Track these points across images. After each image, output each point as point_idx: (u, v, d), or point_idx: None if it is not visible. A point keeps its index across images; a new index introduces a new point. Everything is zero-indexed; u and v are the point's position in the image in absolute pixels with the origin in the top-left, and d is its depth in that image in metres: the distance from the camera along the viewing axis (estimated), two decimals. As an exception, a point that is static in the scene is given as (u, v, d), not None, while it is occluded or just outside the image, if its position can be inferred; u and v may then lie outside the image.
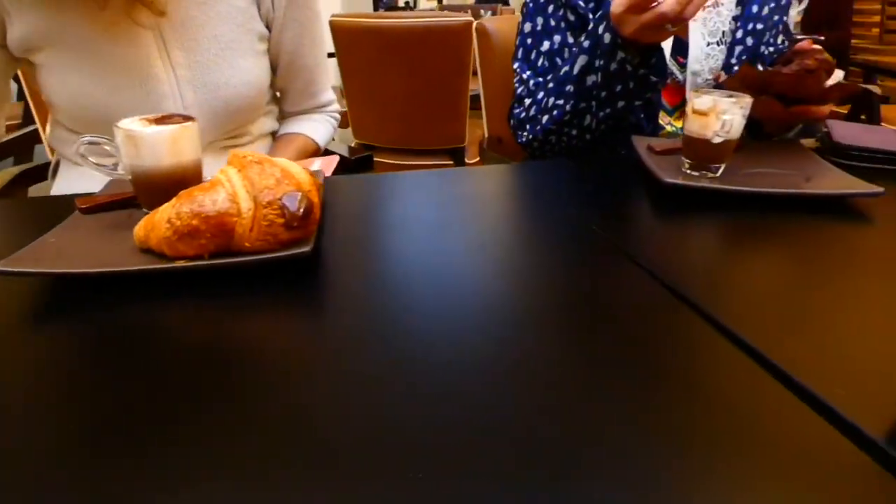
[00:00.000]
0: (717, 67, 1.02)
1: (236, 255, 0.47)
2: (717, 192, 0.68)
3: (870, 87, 0.76)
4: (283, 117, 1.09)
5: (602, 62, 0.84)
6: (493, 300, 0.46)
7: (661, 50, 0.85)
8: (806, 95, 0.78)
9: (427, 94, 1.90)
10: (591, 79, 0.87)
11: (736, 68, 1.01)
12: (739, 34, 1.01)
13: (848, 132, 0.85)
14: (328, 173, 0.78)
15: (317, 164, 0.82)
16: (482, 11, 2.95)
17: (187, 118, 0.56)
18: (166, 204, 0.47)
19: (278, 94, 1.05)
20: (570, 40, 1.00)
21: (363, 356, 0.38)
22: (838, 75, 0.80)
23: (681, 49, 1.01)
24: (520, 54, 1.05)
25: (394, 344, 0.40)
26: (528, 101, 1.01)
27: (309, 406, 0.34)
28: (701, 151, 0.70)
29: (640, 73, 0.84)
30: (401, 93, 1.95)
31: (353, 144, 2.29)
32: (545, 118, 0.96)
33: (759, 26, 1.03)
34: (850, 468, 0.30)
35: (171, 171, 0.53)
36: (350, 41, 1.98)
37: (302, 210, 0.47)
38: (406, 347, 0.39)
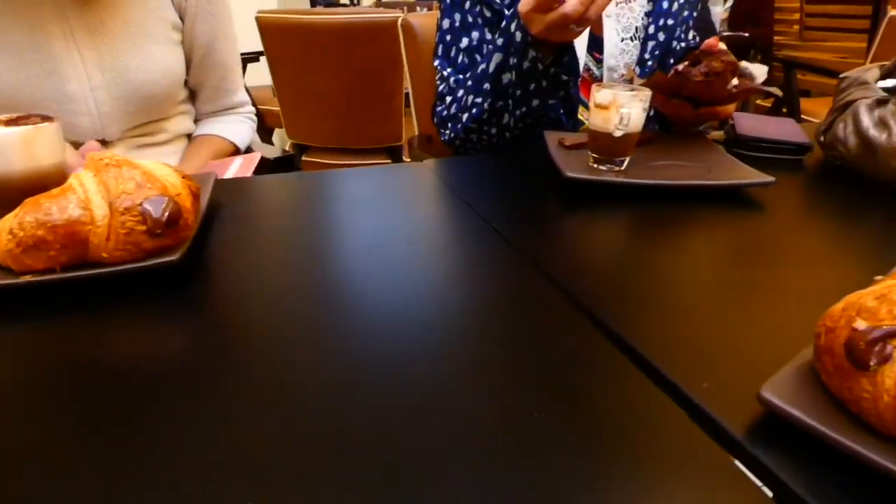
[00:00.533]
0: (632, 63, 1.03)
1: (94, 266, 0.43)
2: (616, 186, 0.68)
3: (771, 89, 0.77)
4: (198, 118, 1.05)
5: (515, 60, 0.84)
6: (381, 305, 0.44)
7: (572, 48, 0.85)
8: (713, 98, 0.79)
9: (360, 92, 1.86)
10: (506, 77, 0.87)
11: (650, 63, 1.03)
12: (651, 30, 1.03)
13: (751, 124, 0.88)
14: (248, 173, 0.75)
15: (236, 163, 0.78)
16: (418, 8, 2.93)
17: (46, 118, 0.51)
18: (9, 214, 0.43)
19: (193, 91, 1.02)
20: (489, 36, 0.99)
21: (228, 373, 0.36)
22: (762, 70, 0.81)
23: (596, 45, 1.02)
24: (439, 51, 1.04)
25: (264, 358, 0.37)
26: (449, 99, 1.00)
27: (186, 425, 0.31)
28: (604, 145, 0.70)
29: (551, 71, 0.84)
30: (333, 91, 1.91)
31: (287, 146, 2.23)
32: (465, 116, 0.95)
33: (670, 22, 1.04)
34: (709, 465, 0.30)
35: (26, 177, 0.49)
36: (279, 39, 1.92)
37: (167, 216, 0.43)
38: (275, 361, 0.37)
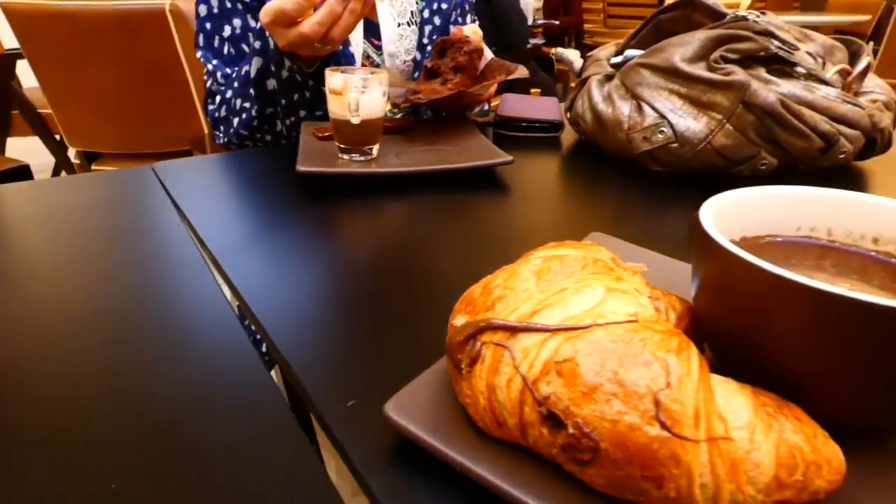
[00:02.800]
0: (413, 48, 1.00)
1: None
2: (358, 177, 0.64)
3: (517, 74, 0.77)
4: None
5: (274, 68, 0.76)
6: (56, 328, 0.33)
7: (330, 63, 0.78)
8: (469, 88, 0.77)
9: (143, 88, 1.64)
10: (270, 83, 0.79)
11: (429, 48, 1.00)
12: (427, 14, 1.00)
13: (513, 105, 0.89)
14: None
15: None
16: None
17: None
18: None
19: None
20: (253, 24, 0.89)
21: None
22: (523, 71, 0.81)
23: (373, 31, 0.97)
24: (201, 41, 0.91)
25: None
26: (218, 99, 0.89)
27: None
28: (346, 133, 0.65)
29: (310, 83, 0.78)
30: (111, 89, 1.66)
31: (72, 154, 1.93)
32: (236, 121, 0.85)
33: (444, 6, 1.02)
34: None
35: None
36: (36, 30, 1.63)
37: None
38: None
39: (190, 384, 0.32)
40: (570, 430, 0.21)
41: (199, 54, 0.92)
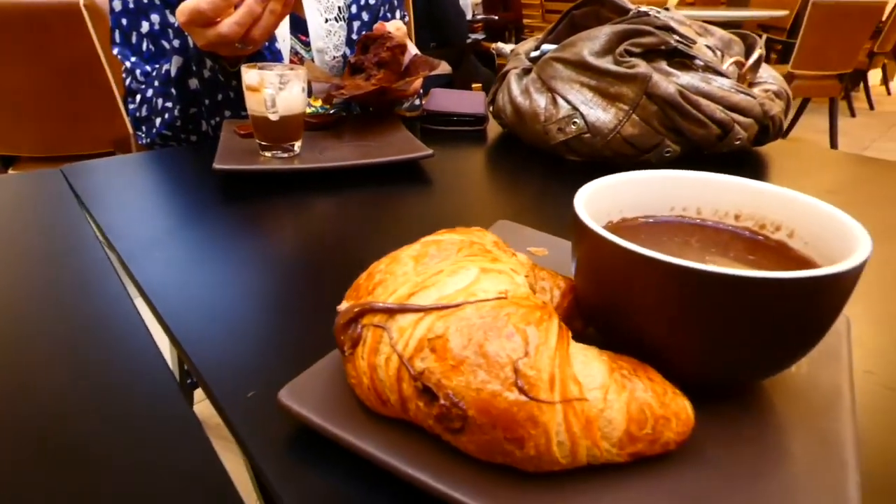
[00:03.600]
0: (341, 44, 1.00)
1: None
2: (277, 174, 0.64)
3: (440, 70, 0.78)
4: None
5: (196, 68, 0.74)
6: None
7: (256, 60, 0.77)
8: (392, 84, 0.78)
9: (61, 88, 1.57)
10: (192, 83, 0.77)
11: (358, 44, 0.99)
12: (354, 9, 1.00)
13: (440, 100, 0.90)
14: None
15: None
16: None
17: None
18: None
19: None
20: (171, 19, 0.86)
21: None
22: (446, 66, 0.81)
23: (300, 26, 0.96)
24: (117, 38, 0.88)
25: None
26: (139, 98, 0.86)
27: None
28: (265, 130, 0.64)
29: (233, 83, 0.77)
30: (26, 89, 1.58)
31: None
32: (158, 121, 0.82)
33: (372, 1, 1.02)
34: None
35: None
36: (-63, 26, 1.52)
37: None
38: None
39: (90, 386, 0.31)
40: (442, 402, 0.23)
41: (115, 51, 0.89)
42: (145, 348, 0.34)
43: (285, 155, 0.66)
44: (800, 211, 0.31)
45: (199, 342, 0.35)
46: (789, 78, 3.32)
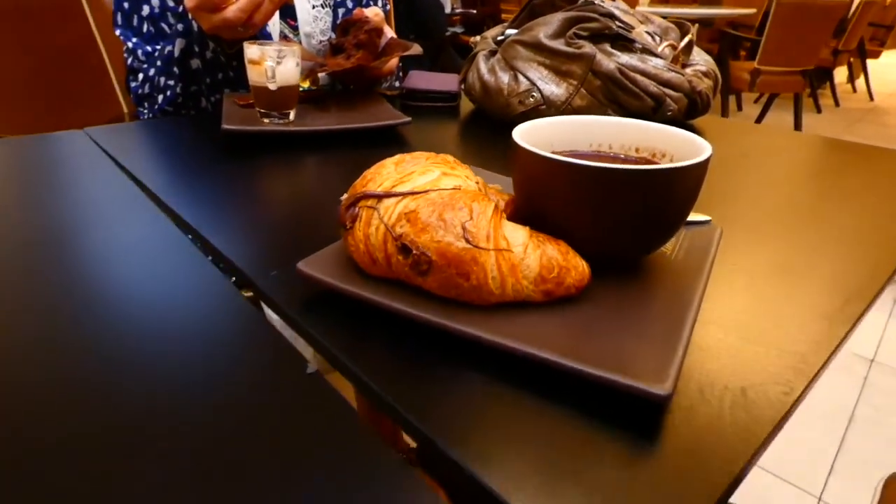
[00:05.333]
0: (328, 29, 1.09)
1: None
2: (278, 135, 0.74)
3: (411, 51, 0.89)
4: None
5: (198, 49, 0.84)
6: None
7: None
8: (369, 63, 0.88)
9: (56, 74, 1.63)
10: (194, 63, 0.86)
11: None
12: (338, -4, 1.09)
13: (419, 80, 1.01)
14: None
15: None
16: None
17: None
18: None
19: None
20: (171, 3, 0.95)
21: None
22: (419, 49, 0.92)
23: (289, 11, 1.05)
24: (119, 20, 0.97)
25: None
26: (141, 76, 0.94)
27: None
28: (265, 99, 0.74)
29: (234, 64, 0.86)
30: (22, 77, 1.63)
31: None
32: (161, 98, 0.91)
33: (355, -11, 1.12)
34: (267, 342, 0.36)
35: None
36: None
37: None
38: None
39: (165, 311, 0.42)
40: (415, 252, 0.34)
41: (117, 32, 0.97)
42: (204, 268, 0.44)
43: (282, 121, 0.76)
44: (675, 140, 0.42)
45: (229, 243, 0.45)
46: (755, 74, 3.49)
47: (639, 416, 0.29)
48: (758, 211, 0.58)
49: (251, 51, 0.72)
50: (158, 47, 0.92)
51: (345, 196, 0.37)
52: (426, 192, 0.35)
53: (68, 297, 0.38)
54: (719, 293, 0.42)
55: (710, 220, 0.49)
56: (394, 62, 0.95)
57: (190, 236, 0.47)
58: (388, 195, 0.35)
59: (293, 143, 0.74)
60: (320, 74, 1.03)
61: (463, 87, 0.93)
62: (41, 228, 0.48)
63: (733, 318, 0.39)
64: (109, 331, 0.35)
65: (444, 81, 1.01)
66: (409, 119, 0.77)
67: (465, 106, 0.98)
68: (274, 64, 0.71)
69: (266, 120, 0.76)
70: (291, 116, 0.77)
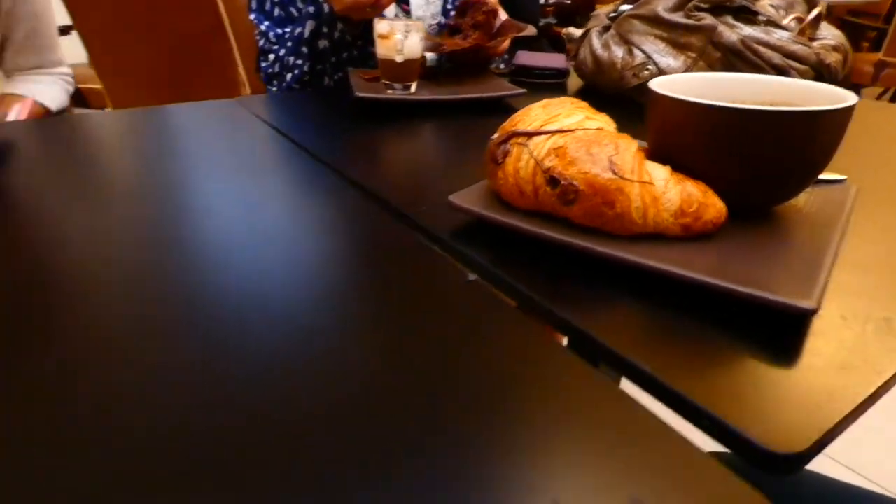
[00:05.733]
0: (438, 13, 1.15)
1: None
2: (402, 103, 0.80)
3: (527, 32, 0.93)
4: (8, 75, 1.02)
5: (327, 30, 0.92)
6: (215, 243, 0.50)
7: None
8: (486, 43, 0.93)
9: (184, 59, 1.81)
10: (322, 43, 0.95)
11: (452, 13, 1.15)
12: (450, -17, 1.15)
13: (527, 58, 1.04)
14: (23, 116, 0.75)
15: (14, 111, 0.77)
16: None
17: None
18: None
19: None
20: None
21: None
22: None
23: None
24: (253, 5, 1.08)
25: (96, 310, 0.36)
26: (272, 57, 1.05)
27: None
28: (391, 70, 0.80)
29: (359, 43, 0.94)
30: (154, 61, 1.83)
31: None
32: (289, 76, 1.01)
33: (464, -24, 1.17)
34: (431, 261, 0.41)
35: None
36: (84, 7, 1.79)
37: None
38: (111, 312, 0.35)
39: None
40: (563, 183, 0.37)
41: (252, 16, 1.08)
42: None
43: (405, 91, 0.82)
44: (815, 93, 0.43)
45: (382, 185, 0.51)
46: (880, 66, 3.20)
47: (781, 335, 0.31)
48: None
49: (381, 26, 0.78)
50: (288, 30, 1.01)
51: (495, 135, 0.41)
52: (573, 130, 0.38)
53: (270, 229, 0.45)
54: (857, 242, 0.42)
55: (845, 179, 0.48)
56: (507, 43, 0.98)
57: (346, 181, 0.53)
58: (538, 132, 0.39)
59: (416, 110, 0.79)
60: (427, 55, 1.08)
61: (573, 64, 0.95)
62: (220, 180, 0.56)
63: (874, 260, 0.39)
64: (289, 255, 0.41)
65: (553, 60, 1.03)
66: (523, 90, 0.80)
67: (573, 84, 1.00)
68: (402, 37, 0.77)
69: (390, 91, 0.82)
70: (413, 88, 0.83)
